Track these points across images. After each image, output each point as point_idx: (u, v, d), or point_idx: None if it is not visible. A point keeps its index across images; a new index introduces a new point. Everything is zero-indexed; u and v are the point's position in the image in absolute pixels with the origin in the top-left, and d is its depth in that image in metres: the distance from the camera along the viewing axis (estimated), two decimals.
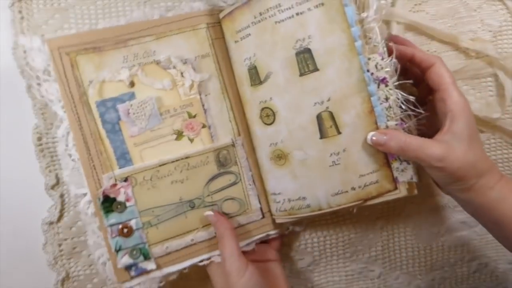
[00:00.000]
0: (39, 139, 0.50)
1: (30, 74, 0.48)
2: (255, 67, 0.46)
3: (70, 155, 0.48)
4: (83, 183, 0.47)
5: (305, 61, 0.44)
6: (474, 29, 0.52)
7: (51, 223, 0.51)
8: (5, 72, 0.50)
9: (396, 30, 0.51)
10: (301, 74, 0.44)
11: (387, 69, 0.43)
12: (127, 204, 0.47)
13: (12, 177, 0.51)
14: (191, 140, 0.48)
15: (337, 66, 0.43)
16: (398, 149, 0.41)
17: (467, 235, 0.56)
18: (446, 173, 0.40)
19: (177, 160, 0.48)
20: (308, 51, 0.44)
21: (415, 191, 0.44)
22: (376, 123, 0.43)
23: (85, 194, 0.48)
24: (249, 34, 0.46)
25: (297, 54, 0.44)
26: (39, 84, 0.48)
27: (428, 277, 0.57)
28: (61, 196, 0.51)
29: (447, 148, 0.40)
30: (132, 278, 0.47)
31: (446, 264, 0.57)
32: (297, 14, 0.43)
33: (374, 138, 0.42)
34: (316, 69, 0.44)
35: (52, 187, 0.51)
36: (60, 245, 0.51)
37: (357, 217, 0.55)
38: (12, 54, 0.49)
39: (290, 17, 0.44)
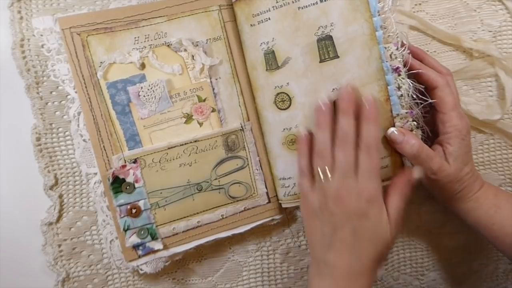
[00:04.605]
0: (38, 139, 0.50)
1: (45, 55, 0.48)
2: (272, 52, 0.46)
3: (81, 135, 0.49)
4: (94, 163, 0.48)
5: (326, 48, 0.44)
6: (474, 29, 0.52)
7: (50, 223, 0.51)
8: (5, 72, 0.49)
9: (400, 29, 0.51)
10: (321, 61, 0.45)
11: (400, 59, 0.44)
12: (136, 185, 0.48)
13: (10, 177, 0.51)
14: (200, 124, 0.49)
15: (358, 55, 0.44)
16: (409, 153, 0.43)
17: (467, 236, 0.56)
18: (436, 184, 0.45)
19: (186, 143, 0.48)
20: (329, 38, 0.44)
21: None
22: (391, 111, 0.45)
23: (95, 174, 0.49)
24: (269, 18, 0.46)
25: (319, 40, 0.44)
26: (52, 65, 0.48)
27: (429, 277, 0.57)
28: (60, 196, 0.51)
29: (442, 164, 0.44)
30: (139, 257, 0.48)
31: (446, 264, 0.57)
32: (321, 1, 0.43)
33: (393, 134, 0.44)
34: (336, 56, 0.44)
35: (51, 188, 0.50)
36: (59, 245, 0.51)
37: None
38: (12, 54, 0.49)
39: (313, 4, 0.44)
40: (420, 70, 0.45)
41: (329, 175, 0.42)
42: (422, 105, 0.45)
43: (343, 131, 0.41)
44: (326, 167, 0.42)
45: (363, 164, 0.41)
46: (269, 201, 0.51)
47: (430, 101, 0.45)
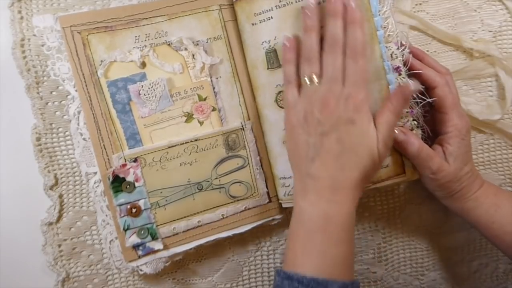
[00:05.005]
0: (38, 139, 0.50)
1: (45, 53, 0.48)
2: (274, 51, 0.46)
3: (81, 134, 0.48)
4: (94, 162, 0.48)
5: None
6: (474, 29, 0.52)
7: (50, 223, 0.50)
8: (5, 72, 0.49)
9: (400, 29, 0.51)
10: None
11: (400, 58, 0.44)
12: (136, 184, 0.47)
13: (10, 177, 0.51)
14: (201, 123, 0.49)
15: None
16: (409, 153, 0.44)
17: (467, 235, 0.56)
18: (436, 184, 0.45)
19: (186, 142, 0.48)
20: None
21: (417, 175, 0.46)
22: None
23: (95, 173, 0.49)
24: (271, 17, 0.46)
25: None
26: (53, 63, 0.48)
27: (429, 277, 0.57)
28: (60, 196, 0.50)
29: (442, 164, 0.44)
30: (139, 257, 0.48)
31: (446, 264, 0.56)
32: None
33: (394, 133, 0.43)
34: None
35: (51, 188, 0.50)
36: (59, 245, 0.51)
37: (357, 218, 0.54)
38: (12, 54, 0.49)
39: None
40: (420, 70, 0.45)
41: (316, 81, 0.40)
42: (422, 103, 0.45)
43: (331, 34, 0.40)
44: (313, 74, 0.40)
45: (350, 70, 0.39)
46: (270, 201, 0.51)
47: (430, 100, 0.45)
